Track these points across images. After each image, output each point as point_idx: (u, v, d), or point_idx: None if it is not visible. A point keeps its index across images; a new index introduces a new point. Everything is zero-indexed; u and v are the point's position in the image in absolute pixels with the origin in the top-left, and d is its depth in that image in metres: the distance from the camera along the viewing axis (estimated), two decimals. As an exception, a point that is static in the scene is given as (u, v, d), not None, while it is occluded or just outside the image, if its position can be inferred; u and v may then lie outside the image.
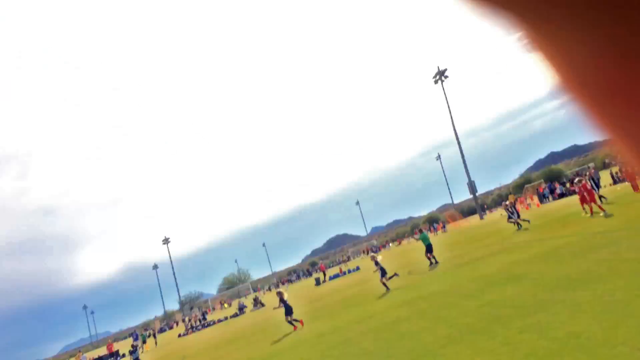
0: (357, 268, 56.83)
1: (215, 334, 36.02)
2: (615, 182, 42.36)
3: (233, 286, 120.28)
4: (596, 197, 23.01)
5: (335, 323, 17.44)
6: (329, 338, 14.69)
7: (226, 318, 52.21)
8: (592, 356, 6.11)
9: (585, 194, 22.67)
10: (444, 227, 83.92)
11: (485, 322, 9.81)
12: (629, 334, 6.45)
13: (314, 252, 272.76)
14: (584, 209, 23.12)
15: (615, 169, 48.00)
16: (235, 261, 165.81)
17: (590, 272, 11.02)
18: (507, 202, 32.32)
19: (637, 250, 11.79)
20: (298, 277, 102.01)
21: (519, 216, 29.38)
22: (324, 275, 56.98)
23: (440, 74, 75.02)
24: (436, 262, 25.38)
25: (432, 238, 67.23)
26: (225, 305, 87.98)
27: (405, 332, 11.64)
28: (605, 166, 77.35)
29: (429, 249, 25.65)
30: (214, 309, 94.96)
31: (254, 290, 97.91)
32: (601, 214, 21.20)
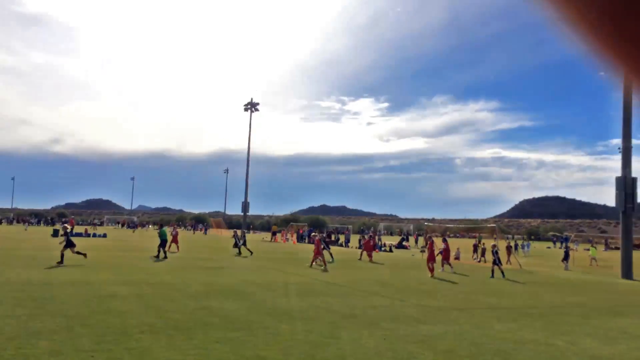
0: (104, 235, 53.79)
1: None
2: (359, 248, 47.15)
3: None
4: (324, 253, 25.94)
5: (47, 277, 16.13)
6: (36, 289, 13.52)
7: None
8: (262, 379, 6.60)
9: (317, 247, 24.87)
10: (205, 230, 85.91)
11: (192, 324, 9.96)
12: (301, 370, 7.14)
13: (69, 205, 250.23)
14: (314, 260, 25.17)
15: (365, 237, 53.72)
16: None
17: (300, 312, 11.97)
18: (237, 230, 35.75)
19: (343, 305, 13.17)
20: (39, 222, 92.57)
21: (243, 244, 30.96)
22: (71, 229, 53.52)
23: (252, 105, 78.61)
24: (165, 257, 25.60)
25: (191, 235, 67.08)
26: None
27: (113, 309, 11.24)
28: (361, 231, 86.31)
29: (163, 244, 26.34)
30: None
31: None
32: (322, 267, 23.38)
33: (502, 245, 32.69)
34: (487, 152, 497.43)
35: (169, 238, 28.64)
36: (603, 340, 10.14)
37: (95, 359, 7.21)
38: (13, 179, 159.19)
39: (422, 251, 43.29)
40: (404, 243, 55.38)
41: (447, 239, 30.31)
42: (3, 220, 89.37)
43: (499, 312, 13.31)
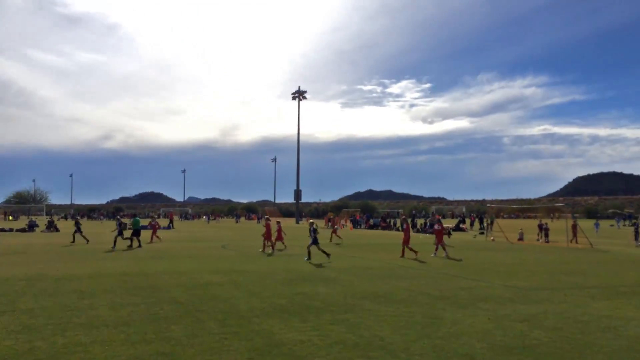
0: (169, 227, 55.70)
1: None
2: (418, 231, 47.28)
3: (25, 203, 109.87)
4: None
5: (141, 268, 17.04)
6: (136, 279, 14.35)
7: (12, 230, 47.35)
8: (394, 357, 6.93)
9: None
10: (259, 219, 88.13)
11: (297, 308, 10.43)
12: (424, 349, 7.43)
13: (123, 200, 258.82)
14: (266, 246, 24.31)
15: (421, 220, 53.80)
16: (33, 180, 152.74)
17: (393, 294, 12.29)
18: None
19: (432, 287, 13.41)
20: (102, 217, 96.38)
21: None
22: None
23: (300, 93, 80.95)
24: (139, 246, 26.08)
25: (246, 224, 68.43)
26: (10, 217, 79.76)
27: (218, 295, 11.85)
28: (412, 215, 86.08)
29: (135, 232, 26.76)
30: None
31: (48, 214, 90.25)
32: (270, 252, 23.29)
33: (569, 223, 32.13)
34: (537, 129, 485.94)
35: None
36: None
37: (230, 341, 7.72)
38: (71, 175, 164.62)
39: (482, 233, 42.98)
40: (461, 225, 55.18)
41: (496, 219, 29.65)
42: (67, 216, 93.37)
43: (589, 291, 13.25)
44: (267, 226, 24.79)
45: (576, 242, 30.88)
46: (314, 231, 20.59)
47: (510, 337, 8.20)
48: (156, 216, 44.35)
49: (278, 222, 26.53)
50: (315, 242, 20.47)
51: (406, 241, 22.22)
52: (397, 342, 7.79)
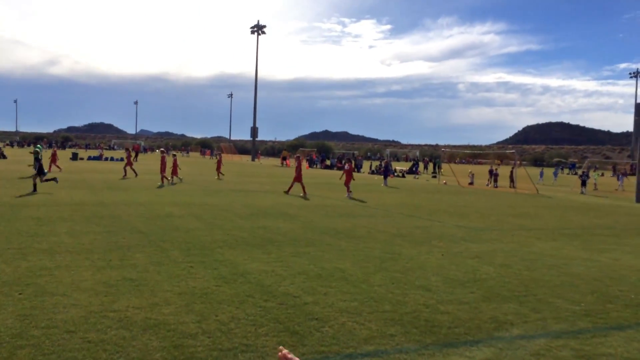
0: (122, 159, 54.51)
1: None
2: (372, 173, 48.03)
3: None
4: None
5: (101, 199, 16.86)
6: (94, 209, 14.22)
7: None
8: (355, 287, 7.29)
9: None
10: (212, 154, 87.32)
11: (259, 240, 10.65)
12: (383, 280, 7.81)
13: (71, 129, 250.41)
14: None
15: (377, 162, 54.54)
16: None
17: (352, 231, 12.68)
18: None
19: (389, 226, 13.88)
20: (50, 146, 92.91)
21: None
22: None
23: (259, 28, 78.13)
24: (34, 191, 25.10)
25: (202, 161, 67.83)
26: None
27: (180, 226, 11.93)
28: (367, 157, 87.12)
29: (40, 170, 25.67)
30: None
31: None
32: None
33: (516, 170, 33.32)
34: (492, 77, 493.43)
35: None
36: (643, 257, 10.86)
37: (195, 269, 7.89)
38: (15, 101, 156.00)
39: (434, 177, 44.11)
40: (414, 169, 56.41)
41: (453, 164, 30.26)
42: (14, 144, 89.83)
43: (535, 232, 14.03)
44: (162, 159, 25.49)
45: (514, 187, 31.92)
46: (37, 160, 18.93)
47: (463, 272, 8.69)
48: (56, 146, 42.44)
49: (174, 156, 27.65)
50: (40, 171, 18.88)
51: (297, 178, 22.50)
52: (358, 274, 8.15)
